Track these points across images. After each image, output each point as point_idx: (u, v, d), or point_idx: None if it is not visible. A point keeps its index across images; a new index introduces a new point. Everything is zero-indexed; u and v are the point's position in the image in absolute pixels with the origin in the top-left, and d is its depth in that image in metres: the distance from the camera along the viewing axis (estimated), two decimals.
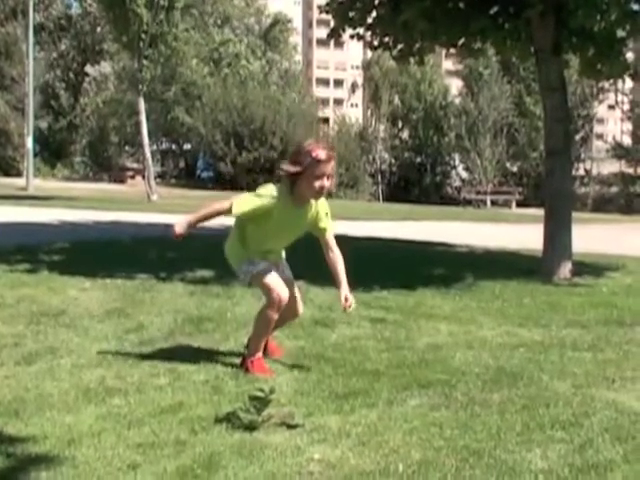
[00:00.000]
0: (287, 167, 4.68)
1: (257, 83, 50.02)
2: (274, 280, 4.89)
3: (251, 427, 3.75)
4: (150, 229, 15.39)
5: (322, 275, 8.89)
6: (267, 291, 4.89)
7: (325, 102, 75.86)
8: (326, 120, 60.12)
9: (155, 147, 51.09)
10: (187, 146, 53.70)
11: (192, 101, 49.18)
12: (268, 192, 4.76)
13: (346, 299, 4.87)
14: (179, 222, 4.85)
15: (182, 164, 55.42)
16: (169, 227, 4.86)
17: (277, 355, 5.17)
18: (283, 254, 5.27)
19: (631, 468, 3.32)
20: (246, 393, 4.08)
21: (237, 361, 5.09)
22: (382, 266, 10.54)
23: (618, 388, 4.67)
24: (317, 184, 4.67)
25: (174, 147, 55.85)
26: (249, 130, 42.96)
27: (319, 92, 77.18)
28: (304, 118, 46.38)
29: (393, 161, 54.29)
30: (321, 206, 4.90)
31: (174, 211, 22.03)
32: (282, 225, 4.86)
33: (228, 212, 4.78)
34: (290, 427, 3.80)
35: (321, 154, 4.63)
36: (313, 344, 5.67)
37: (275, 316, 4.87)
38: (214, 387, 4.49)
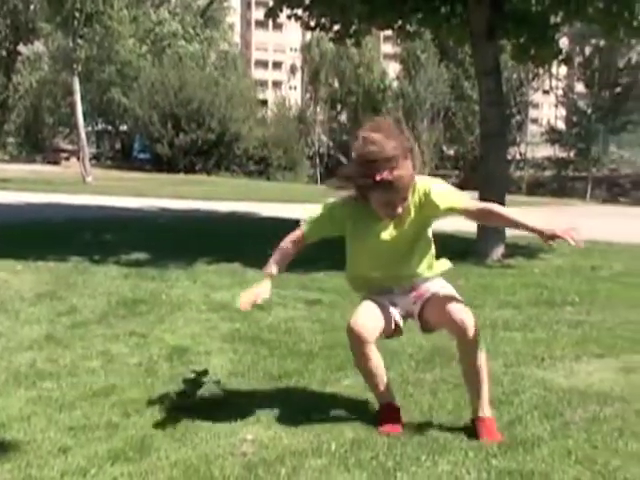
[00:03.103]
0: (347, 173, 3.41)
1: (195, 64, 49.52)
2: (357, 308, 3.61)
3: (184, 409, 3.74)
4: (85, 211, 15.20)
5: (257, 257, 8.92)
6: None
7: (264, 84, 75.54)
8: (265, 102, 59.88)
9: (90, 128, 50.37)
10: (123, 127, 52.99)
11: (128, 82, 48.50)
12: (339, 200, 3.55)
13: (554, 236, 3.25)
14: (260, 286, 3.56)
15: (118, 145, 54.73)
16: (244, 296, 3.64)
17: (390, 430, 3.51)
18: (417, 270, 3.62)
19: (557, 444, 3.39)
20: (180, 375, 4.06)
21: (172, 343, 5.07)
22: (319, 248, 10.55)
23: (547, 366, 4.77)
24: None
25: (110, 128, 55.10)
26: (186, 111, 42.59)
27: (258, 74, 76.80)
28: (242, 100, 46.09)
29: (331, 144, 54.39)
30: (425, 193, 3.40)
31: (109, 193, 21.83)
32: (372, 244, 3.55)
33: (302, 238, 3.66)
34: (224, 409, 3.80)
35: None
36: (248, 326, 5.66)
37: (359, 350, 3.52)
38: (147, 370, 4.46)
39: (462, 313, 3.41)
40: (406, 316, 3.67)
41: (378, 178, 3.19)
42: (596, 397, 4.07)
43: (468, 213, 3.41)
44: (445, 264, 3.73)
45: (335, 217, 3.55)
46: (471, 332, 3.39)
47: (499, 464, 3.16)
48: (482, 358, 3.50)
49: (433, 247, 3.64)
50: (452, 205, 3.36)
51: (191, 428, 3.52)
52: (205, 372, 3.91)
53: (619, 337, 5.64)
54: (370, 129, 3.27)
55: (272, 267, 3.62)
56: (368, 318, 3.51)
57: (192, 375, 3.87)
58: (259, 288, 3.53)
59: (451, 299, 3.49)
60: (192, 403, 3.77)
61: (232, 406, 3.83)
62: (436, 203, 3.36)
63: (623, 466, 3.16)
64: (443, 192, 3.40)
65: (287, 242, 3.64)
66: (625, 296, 7.62)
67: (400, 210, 3.34)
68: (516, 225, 3.41)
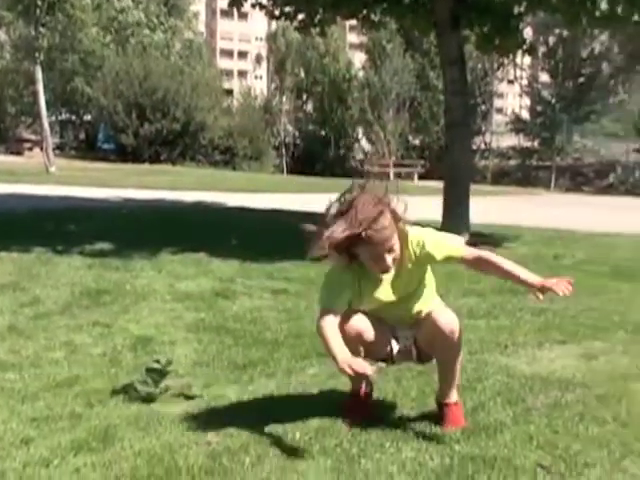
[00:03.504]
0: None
1: (159, 53, 49.12)
2: None
3: (148, 399, 3.73)
4: (48, 201, 15.04)
5: (223, 247, 8.92)
6: None
7: (229, 74, 75.11)
8: (230, 92, 59.59)
9: (54, 118, 49.78)
10: (87, 117, 52.41)
11: (92, 71, 47.98)
12: (339, 266, 3.36)
13: (544, 288, 3.26)
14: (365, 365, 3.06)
15: (82, 135, 54.10)
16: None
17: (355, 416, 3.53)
18: (422, 309, 3.52)
19: (519, 429, 3.43)
20: (144, 365, 4.04)
21: (136, 333, 5.05)
22: (285, 238, 10.54)
23: (510, 353, 4.82)
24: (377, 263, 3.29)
25: (74, 118, 54.44)
26: (151, 101, 42.21)
27: (223, 64, 76.31)
28: (208, 89, 45.81)
29: (297, 134, 54.29)
30: (419, 245, 3.35)
31: (73, 183, 21.62)
32: (375, 301, 3.44)
33: (337, 316, 3.29)
34: (188, 398, 3.80)
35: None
36: (213, 316, 5.65)
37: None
38: (111, 360, 4.44)
39: (452, 325, 3.39)
40: (404, 351, 3.55)
41: (361, 233, 3.13)
42: (558, 383, 4.13)
43: (465, 261, 3.39)
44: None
45: (347, 282, 3.34)
46: (456, 346, 3.43)
47: (462, 449, 3.19)
48: (461, 355, 3.53)
49: (434, 281, 3.57)
50: (449, 254, 3.35)
51: (155, 418, 3.51)
52: (169, 362, 3.90)
53: (581, 324, 5.71)
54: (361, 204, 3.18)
55: (343, 349, 3.13)
56: (362, 323, 3.41)
57: (156, 365, 3.85)
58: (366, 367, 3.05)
59: (440, 312, 3.45)
60: (156, 393, 3.76)
61: (197, 396, 3.83)
62: (432, 254, 3.33)
63: (583, 450, 3.21)
64: (438, 242, 3.36)
65: (333, 330, 3.22)
66: (587, 284, 7.70)
67: (390, 262, 3.24)
68: (510, 276, 3.39)
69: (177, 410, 3.64)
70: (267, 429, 3.41)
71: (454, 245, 3.40)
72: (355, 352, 3.17)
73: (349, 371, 2.99)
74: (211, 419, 3.52)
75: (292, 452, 3.15)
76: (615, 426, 3.55)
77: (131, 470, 2.94)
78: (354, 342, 3.28)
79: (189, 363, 4.41)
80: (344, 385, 4.03)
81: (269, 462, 3.05)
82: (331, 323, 3.24)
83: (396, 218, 3.24)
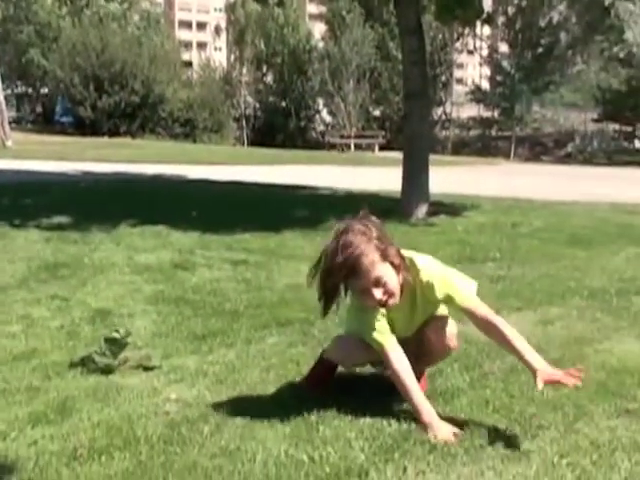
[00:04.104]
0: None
1: (117, 24, 48.40)
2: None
3: (107, 370, 3.71)
4: (4, 176, 14.84)
5: (183, 219, 8.89)
6: None
7: (188, 45, 74.36)
8: (189, 64, 59.01)
9: (10, 91, 48.93)
10: (44, 90, 51.62)
11: (48, 43, 47.20)
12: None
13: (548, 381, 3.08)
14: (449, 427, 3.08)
15: (39, 109, 53.32)
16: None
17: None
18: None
19: (476, 393, 3.48)
20: (102, 338, 4.02)
21: (95, 306, 5.02)
22: (245, 209, 10.56)
23: (468, 320, 4.85)
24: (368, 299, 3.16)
25: (30, 91, 53.61)
26: (109, 73, 41.64)
27: (182, 35, 75.44)
28: (166, 61, 45.30)
29: (258, 105, 53.94)
30: (428, 286, 3.22)
31: (30, 157, 21.34)
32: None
33: (395, 346, 3.25)
34: (147, 369, 3.79)
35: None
36: (173, 287, 5.64)
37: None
38: (69, 332, 4.42)
39: (452, 340, 3.42)
40: None
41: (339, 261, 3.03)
42: None
43: (472, 316, 3.24)
44: None
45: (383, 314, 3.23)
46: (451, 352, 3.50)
47: None
48: None
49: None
50: (457, 305, 3.23)
51: (114, 389, 3.51)
52: (128, 333, 3.89)
53: (538, 291, 5.79)
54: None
55: (429, 409, 3.15)
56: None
57: (114, 336, 3.83)
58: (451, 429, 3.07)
59: (442, 326, 3.40)
60: (115, 364, 3.75)
61: (156, 366, 3.82)
62: (438, 300, 3.24)
63: (538, 413, 3.27)
64: (448, 288, 3.20)
65: (403, 366, 3.20)
66: (544, 251, 7.80)
67: (379, 296, 3.10)
68: (515, 353, 3.19)
69: (136, 381, 3.63)
70: (226, 398, 3.42)
71: (465, 295, 3.23)
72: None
73: (439, 440, 2.96)
74: (170, 389, 3.53)
75: (251, 420, 3.17)
76: (569, 389, 3.61)
77: (89, 441, 2.93)
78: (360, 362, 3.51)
79: (148, 335, 4.40)
80: (303, 354, 4.06)
81: (228, 431, 3.06)
82: (400, 365, 3.19)
83: (384, 254, 3.09)
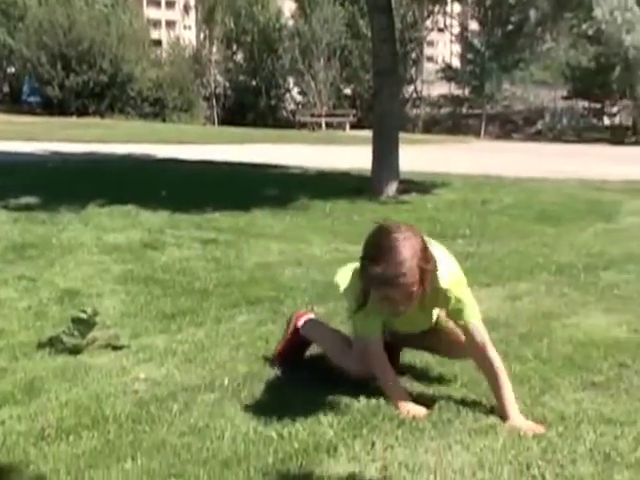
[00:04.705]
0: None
1: (84, 2, 47.76)
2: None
3: (75, 350, 3.69)
4: None
5: (152, 199, 8.82)
6: None
7: (157, 24, 73.62)
8: (158, 42, 58.46)
9: None
10: (11, 69, 50.92)
11: (14, 22, 46.50)
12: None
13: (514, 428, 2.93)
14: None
15: (6, 89, 52.56)
16: None
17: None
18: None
19: (445, 369, 3.49)
20: (70, 317, 4.00)
21: (63, 286, 4.98)
22: (215, 188, 10.51)
23: None
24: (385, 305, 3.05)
25: None
26: (77, 52, 41.15)
27: (150, 13, 74.67)
28: (135, 40, 44.85)
29: (228, 84, 53.59)
30: (448, 293, 3.10)
31: None
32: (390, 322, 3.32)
33: (380, 341, 3.26)
34: (115, 348, 3.77)
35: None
36: (142, 267, 5.61)
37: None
38: (37, 313, 4.39)
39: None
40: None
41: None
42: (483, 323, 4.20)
43: (469, 340, 3.15)
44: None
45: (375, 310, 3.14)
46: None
47: None
48: None
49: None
50: (459, 321, 3.15)
51: (82, 369, 3.49)
52: (96, 313, 3.86)
53: (506, 267, 5.84)
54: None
55: (399, 388, 3.21)
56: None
57: (83, 316, 3.81)
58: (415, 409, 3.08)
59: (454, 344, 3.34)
60: (83, 344, 3.73)
61: (124, 346, 3.81)
62: (444, 309, 3.21)
63: None
64: (459, 304, 3.11)
65: (380, 358, 3.22)
66: (513, 228, 7.86)
67: (403, 309, 3.02)
68: (495, 393, 3.09)
69: (104, 361, 3.62)
70: (195, 377, 3.42)
71: (474, 312, 3.16)
72: None
73: (408, 416, 2.99)
74: (139, 368, 3.52)
75: (220, 398, 3.17)
76: (536, 363, 3.65)
77: (57, 421, 2.92)
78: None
79: (117, 314, 4.38)
80: (272, 332, 4.06)
81: (197, 409, 3.06)
82: (381, 356, 3.21)
83: (423, 273, 2.92)
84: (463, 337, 3.22)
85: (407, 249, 2.87)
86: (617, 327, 4.31)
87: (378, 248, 2.90)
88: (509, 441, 2.79)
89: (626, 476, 2.56)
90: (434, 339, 3.41)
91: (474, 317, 3.14)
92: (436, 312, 3.33)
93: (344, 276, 3.38)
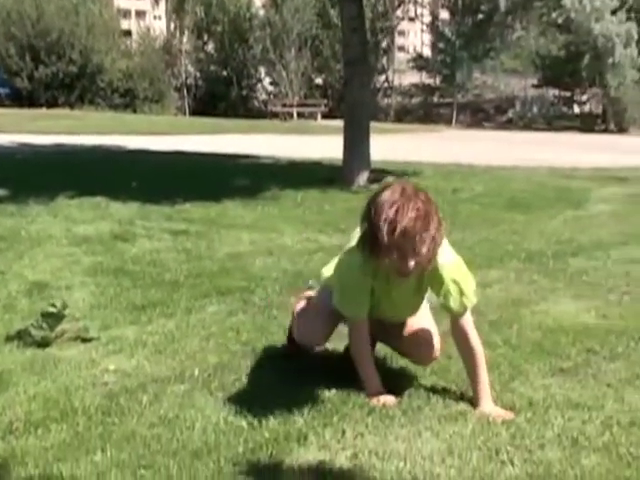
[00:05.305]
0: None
1: None
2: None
3: (44, 343, 3.66)
4: None
5: (122, 190, 8.77)
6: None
7: (127, 14, 73.04)
8: (128, 33, 58.01)
9: None
10: None
11: None
12: (357, 268, 3.05)
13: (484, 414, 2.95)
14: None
15: None
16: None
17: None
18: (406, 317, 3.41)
19: None
20: (39, 311, 3.96)
21: (32, 278, 4.94)
22: (186, 179, 10.47)
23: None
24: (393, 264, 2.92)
25: None
26: (45, 43, 40.74)
27: (120, 3, 74.03)
28: (105, 30, 44.47)
29: (199, 75, 53.31)
30: (445, 273, 3.07)
31: None
32: (377, 301, 3.20)
33: (364, 323, 3.19)
34: (85, 341, 3.75)
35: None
36: (112, 258, 5.58)
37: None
38: (5, 306, 4.34)
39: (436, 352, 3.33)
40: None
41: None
42: None
43: (453, 320, 3.15)
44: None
45: (366, 286, 3.11)
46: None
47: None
48: None
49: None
50: (455, 303, 3.08)
51: (51, 361, 3.46)
52: (65, 305, 3.83)
53: (477, 255, 5.86)
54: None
55: (376, 380, 3.17)
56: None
57: (51, 309, 3.78)
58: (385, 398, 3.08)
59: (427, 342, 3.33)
60: (52, 337, 3.70)
61: (94, 338, 3.78)
62: (444, 281, 3.06)
63: None
64: (459, 284, 3.08)
65: (361, 340, 3.20)
66: (484, 216, 7.90)
67: (412, 267, 2.88)
68: (470, 375, 3.12)
69: (73, 353, 3.60)
70: (165, 368, 3.41)
71: (460, 296, 3.08)
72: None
73: (379, 404, 3.00)
74: (108, 360, 3.50)
75: (190, 389, 3.16)
76: (506, 349, 3.68)
77: (25, 414, 2.89)
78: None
79: (86, 306, 4.35)
80: (243, 322, 4.06)
81: (167, 400, 3.05)
82: (364, 340, 3.19)
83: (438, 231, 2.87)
84: (433, 342, 3.28)
85: (427, 205, 2.85)
86: (586, 313, 4.35)
87: (397, 198, 2.83)
88: (478, 427, 2.81)
89: (593, 460, 2.59)
90: (405, 341, 3.37)
91: (463, 304, 3.09)
92: (426, 297, 3.29)
93: (330, 269, 3.36)
